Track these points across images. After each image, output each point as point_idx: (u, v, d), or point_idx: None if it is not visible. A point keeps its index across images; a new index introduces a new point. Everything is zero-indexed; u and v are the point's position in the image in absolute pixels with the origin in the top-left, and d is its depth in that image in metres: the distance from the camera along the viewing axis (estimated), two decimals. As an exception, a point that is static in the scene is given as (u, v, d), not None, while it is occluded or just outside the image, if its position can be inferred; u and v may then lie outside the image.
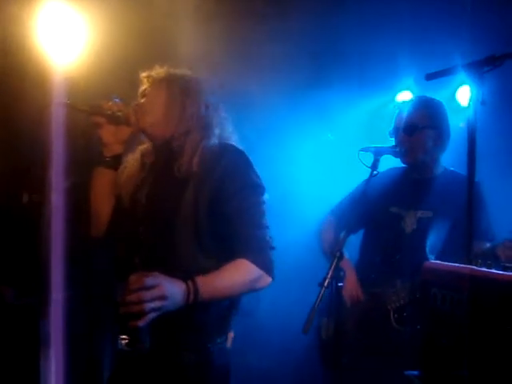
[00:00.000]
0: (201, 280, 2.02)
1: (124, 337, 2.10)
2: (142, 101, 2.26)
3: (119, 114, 2.21)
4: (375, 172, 2.77)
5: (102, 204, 2.32)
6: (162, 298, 1.91)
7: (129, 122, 2.23)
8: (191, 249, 2.12)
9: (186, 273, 2.04)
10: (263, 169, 2.28)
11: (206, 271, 2.07)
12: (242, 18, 3.84)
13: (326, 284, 2.45)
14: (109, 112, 2.21)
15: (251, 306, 2.30)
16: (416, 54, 4.00)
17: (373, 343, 3.05)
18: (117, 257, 2.27)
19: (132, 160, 2.38)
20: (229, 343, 2.22)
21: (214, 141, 2.22)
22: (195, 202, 2.13)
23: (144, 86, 2.29)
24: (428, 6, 3.97)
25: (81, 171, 2.40)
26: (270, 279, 2.16)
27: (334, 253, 2.54)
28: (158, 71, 2.30)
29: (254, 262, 2.11)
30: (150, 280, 1.90)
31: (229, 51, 3.78)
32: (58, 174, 2.99)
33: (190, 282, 2.00)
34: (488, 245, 2.99)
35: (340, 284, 2.55)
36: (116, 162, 2.32)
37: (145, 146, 2.39)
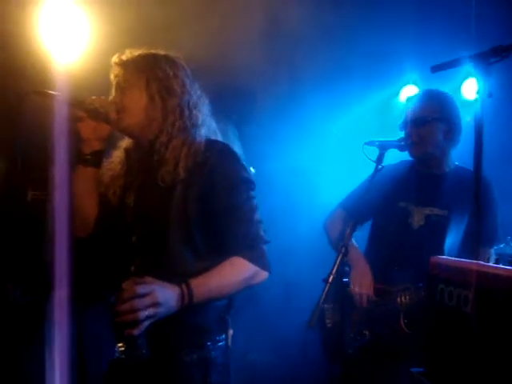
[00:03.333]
0: (195, 282, 2.01)
1: (120, 345, 2.08)
2: (118, 97, 2.18)
3: (101, 110, 2.15)
4: (380, 166, 2.74)
5: (86, 203, 2.26)
6: (156, 305, 1.91)
7: (109, 119, 2.16)
8: (185, 252, 2.09)
9: (181, 276, 2.03)
10: (269, 165, 2.26)
11: (201, 273, 2.05)
12: (243, 14, 3.82)
13: (330, 280, 2.42)
14: (90, 107, 2.15)
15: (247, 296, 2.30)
16: (421, 47, 3.97)
17: (378, 340, 3.00)
18: (110, 265, 2.22)
19: (116, 158, 2.32)
20: (229, 341, 2.20)
21: (200, 140, 2.17)
22: (185, 205, 2.09)
23: (117, 79, 2.19)
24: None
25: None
26: (266, 274, 2.14)
27: (339, 248, 2.51)
28: (133, 59, 2.18)
29: (249, 258, 2.09)
30: (142, 288, 1.90)
31: (230, 48, 3.76)
32: (60, 170, 2.98)
33: (183, 286, 1.99)
34: (492, 251, 2.96)
35: (345, 280, 2.52)
36: (96, 158, 2.24)
37: (127, 141, 2.32)
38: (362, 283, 3.01)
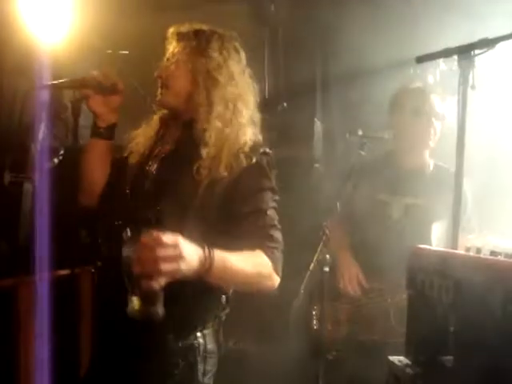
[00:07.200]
0: (217, 252, 1.84)
1: (135, 298, 1.82)
2: (165, 71, 2.16)
3: (105, 82, 2.20)
4: (362, 154, 2.76)
5: (96, 174, 2.28)
6: (179, 257, 1.70)
7: (116, 89, 2.22)
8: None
9: None
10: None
11: None
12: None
13: (311, 267, 2.42)
14: (94, 82, 2.20)
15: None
16: (407, 38, 3.97)
17: (369, 338, 3.00)
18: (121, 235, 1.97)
19: (150, 125, 2.30)
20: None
21: (244, 140, 2.10)
22: (209, 200, 2.04)
23: (171, 52, 2.16)
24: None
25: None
26: (277, 281, 2.03)
27: (319, 235, 2.50)
28: (188, 36, 2.15)
29: (269, 258, 1.99)
30: (167, 237, 1.70)
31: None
32: (42, 153, 2.97)
33: (206, 249, 1.81)
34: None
35: (326, 269, 2.50)
36: (111, 131, 2.28)
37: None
38: (350, 277, 3.01)
